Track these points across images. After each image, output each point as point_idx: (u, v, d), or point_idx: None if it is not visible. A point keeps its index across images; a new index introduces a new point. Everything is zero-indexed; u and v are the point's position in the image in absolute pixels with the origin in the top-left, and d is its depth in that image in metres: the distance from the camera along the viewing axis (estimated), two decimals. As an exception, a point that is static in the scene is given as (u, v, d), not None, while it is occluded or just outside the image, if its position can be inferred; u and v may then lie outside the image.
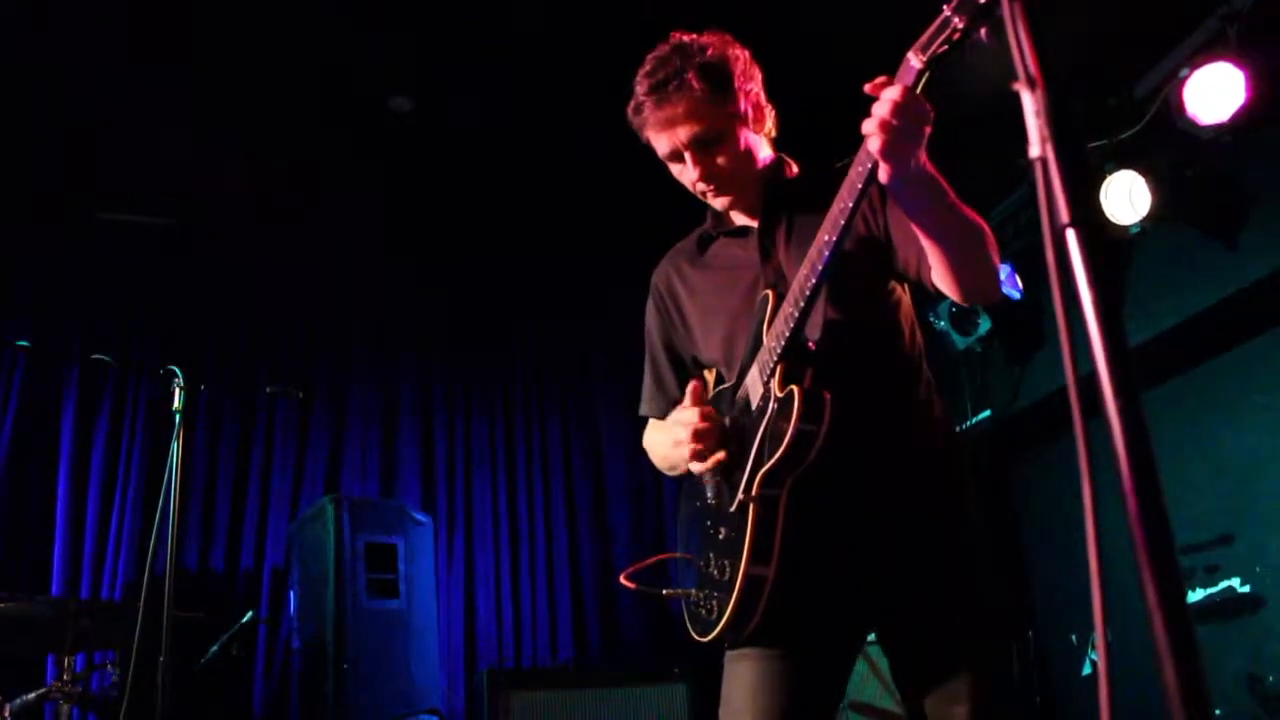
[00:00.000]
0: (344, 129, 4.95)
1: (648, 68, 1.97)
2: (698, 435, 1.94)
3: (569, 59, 4.46)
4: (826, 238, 1.72)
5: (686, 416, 1.97)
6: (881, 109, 1.54)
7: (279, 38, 4.27)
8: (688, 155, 1.96)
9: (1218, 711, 4.21)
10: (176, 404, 3.17)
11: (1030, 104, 0.88)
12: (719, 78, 1.94)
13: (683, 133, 1.94)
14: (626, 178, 5.19)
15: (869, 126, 1.56)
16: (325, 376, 5.98)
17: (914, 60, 1.51)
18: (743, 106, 1.98)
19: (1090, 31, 3.89)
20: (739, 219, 2.11)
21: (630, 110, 2.00)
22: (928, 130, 1.58)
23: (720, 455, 1.95)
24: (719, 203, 2.05)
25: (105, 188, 5.28)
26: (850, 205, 1.67)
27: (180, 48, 4.28)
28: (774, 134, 2.10)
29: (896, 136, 1.54)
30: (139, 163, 5.05)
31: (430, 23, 4.23)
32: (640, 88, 1.96)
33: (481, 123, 4.94)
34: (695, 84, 1.91)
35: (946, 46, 1.46)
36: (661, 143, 1.99)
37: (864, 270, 1.93)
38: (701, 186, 2.00)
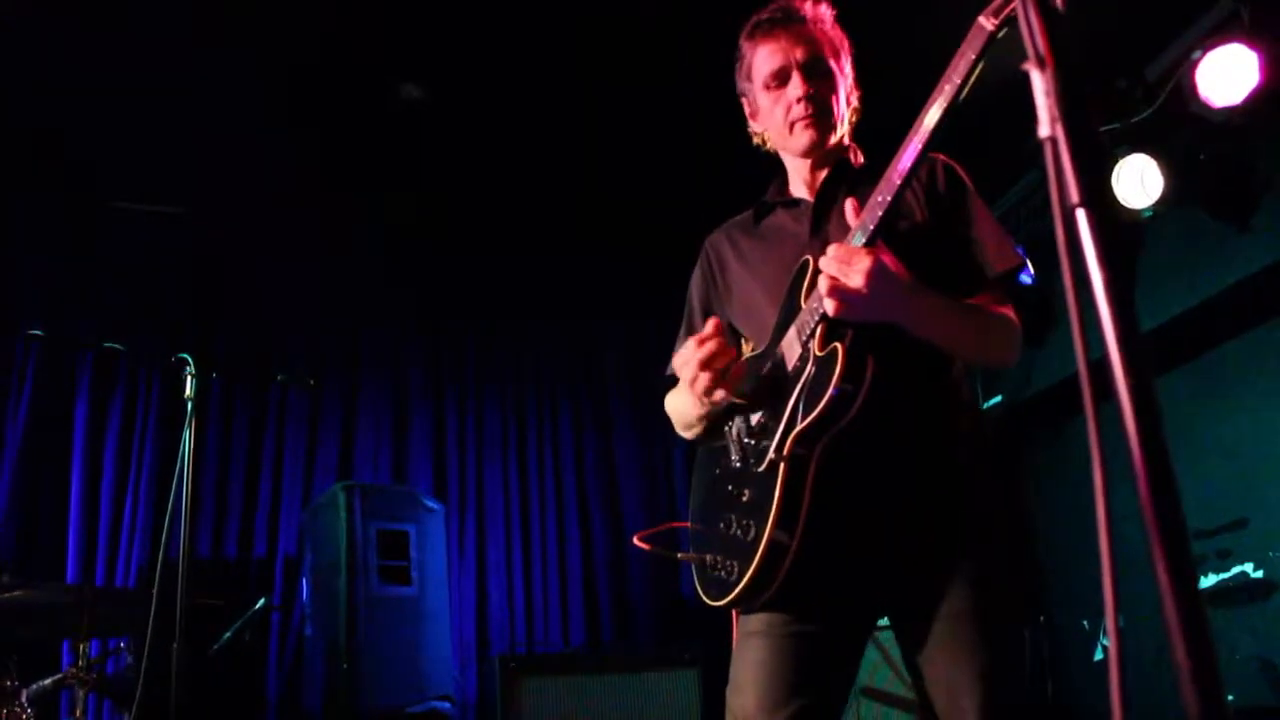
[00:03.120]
0: (355, 116, 4.95)
1: (768, 9, 2.08)
2: (705, 362, 1.87)
3: (580, 55, 4.46)
4: (878, 207, 1.76)
5: (686, 351, 1.91)
6: (833, 269, 1.71)
7: (284, 27, 4.27)
8: (796, 75, 2.02)
9: (1230, 697, 4.20)
10: (188, 392, 3.17)
11: (1040, 84, 0.88)
12: (840, 30, 2.08)
13: (800, 52, 2.02)
14: (636, 168, 5.21)
15: (823, 287, 1.72)
16: (336, 364, 5.99)
17: (986, 24, 1.51)
18: (848, 68, 2.09)
19: (1101, 13, 3.86)
20: (797, 189, 2.14)
21: (748, 29, 2.09)
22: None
23: (722, 392, 1.90)
24: (806, 136, 2.04)
25: (118, 176, 5.29)
26: (889, 198, 1.72)
27: (189, 37, 4.29)
28: (854, 120, 2.14)
29: (855, 308, 1.71)
30: (151, 151, 5.06)
31: (442, 9, 4.22)
32: (767, 12, 2.07)
33: (493, 112, 4.93)
34: (826, 16, 2.05)
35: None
36: (774, 59, 2.04)
37: (918, 249, 1.90)
38: (800, 109, 2.02)
